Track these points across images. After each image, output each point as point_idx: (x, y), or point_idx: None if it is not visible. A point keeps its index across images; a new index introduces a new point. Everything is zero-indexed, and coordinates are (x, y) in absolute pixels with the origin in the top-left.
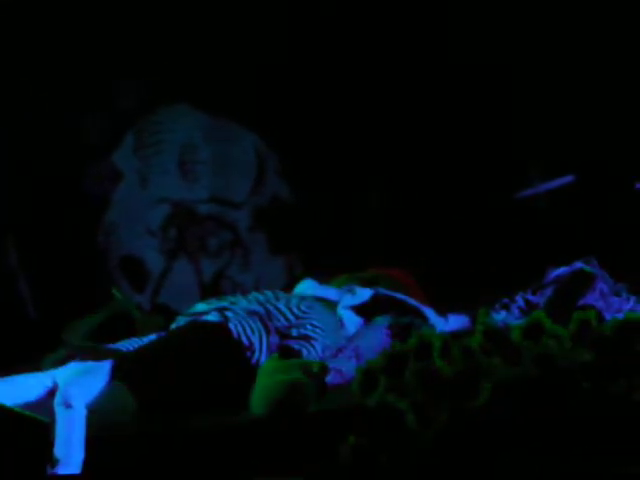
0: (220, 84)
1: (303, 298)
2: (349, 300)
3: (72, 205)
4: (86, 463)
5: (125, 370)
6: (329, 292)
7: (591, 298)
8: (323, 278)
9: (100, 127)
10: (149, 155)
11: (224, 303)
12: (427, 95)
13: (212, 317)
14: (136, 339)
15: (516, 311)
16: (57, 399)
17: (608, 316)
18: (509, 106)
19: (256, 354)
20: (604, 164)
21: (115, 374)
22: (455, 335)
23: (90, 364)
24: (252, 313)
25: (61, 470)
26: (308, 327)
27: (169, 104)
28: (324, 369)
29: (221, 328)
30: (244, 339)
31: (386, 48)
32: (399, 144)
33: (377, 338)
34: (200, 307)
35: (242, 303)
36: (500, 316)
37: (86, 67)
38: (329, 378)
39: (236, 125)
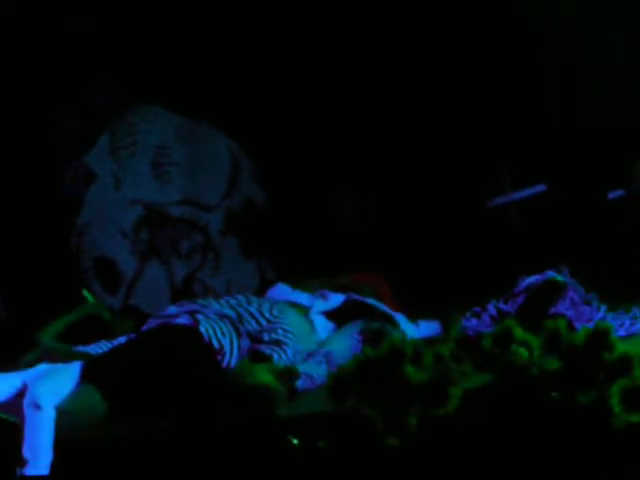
0: (194, 86)
1: (275, 302)
2: (321, 305)
3: (44, 206)
4: (55, 464)
5: (95, 372)
6: (301, 297)
7: (562, 307)
8: (295, 283)
9: (74, 128)
10: (123, 157)
11: (195, 306)
12: (399, 101)
13: (183, 320)
14: (106, 341)
15: (487, 319)
16: (26, 400)
17: (578, 325)
18: (480, 114)
19: (227, 357)
20: (576, 174)
21: (85, 376)
22: (426, 342)
23: (60, 366)
24: (223, 316)
25: (30, 471)
26: (279, 332)
27: (143, 106)
28: (295, 374)
29: (192, 331)
30: (215, 342)
31: (360, 53)
32: (370, 150)
33: (348, 343)
34: (171, 310)
35: (213, 306)
36: (471, 324)
37: (61, 68)
38: (300, 383)
39: (210, 127)
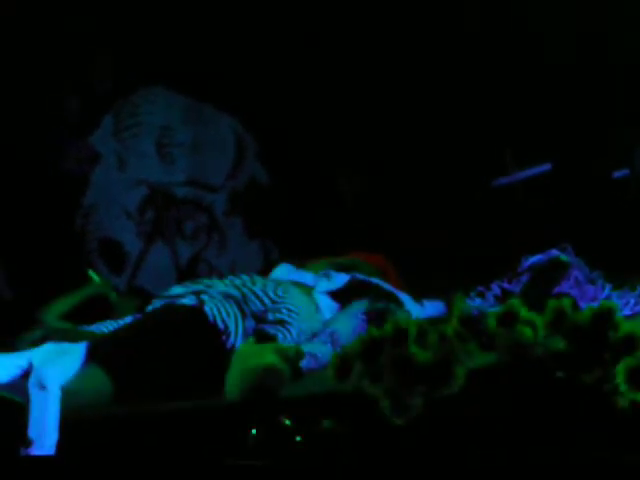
0: (197, 66)
1: (279, 282)
2: (325, 285)
3: (49, 186)
4: (60, 445)
5: (100, 352)
6: (305, 277)
7: (566, 286)
8: (299, 263)
9: (77, 109)
10: (127, 137)
11: (200, 286)
12: (404, 79)
13: (188, 300)
14: (111, 321)
15: (491, 299)
16: (31, 380)
17: (583, 304)
18: (484, 93)
19: (231, 338)
20: (581, 153)
21: (90, 356)
22: (431, 321)
23: (65, 345)
24: (228, 297)
25: (35, 451)
26: (284, 311)
27: (147, 86)
28: (299, 354)
29: (196, 311)
30: (219, 322)
31: (366, 33)
32: (376, 128)
33: (353, 323)
34: (176, 290)
35: (218, 286)
36: (475, 303)
37: (64, 49)
38: (304, 363)
39: (214, 107)
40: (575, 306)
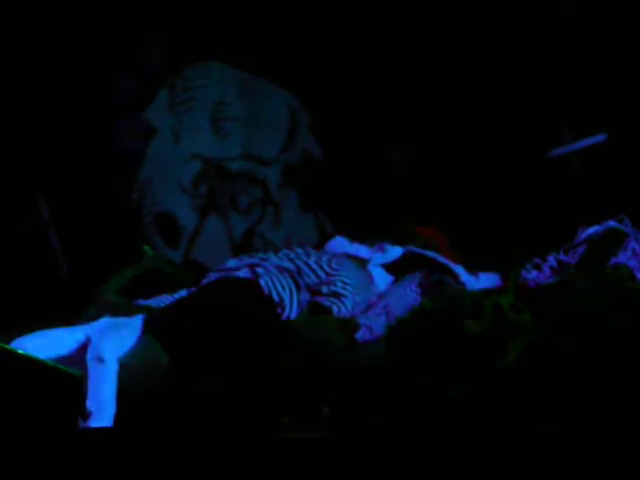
0: (252, 40)
1: (334, 255)
2: (380, 258)
3: (105, 161)
4: (118, 416)
5: (157, 325)
6: (360, 249)
7: (623, 257)
8: (354, 236)
9: (133, 84)
10: (181, 112)
11: (255, 259)
12: (458, 50)
13: (243, 273)
14: (167, 295)
15: (547, 270)
16: (89, 353)
17: None
18: (540, 63)
19: (286, 310)
20: (637, 122)
21: (147, 329)
22: (485, 293)
23: (122, 319)
24: (283, 270)
25: (93, 423)
26: (338, 284)
27: (202, 61)
28: (354, 326)
29: (252, 284)
30: (274, 295)
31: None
32: (429, 100)
33: (407, 295)
34: (231, 263)
35: (273, 260)
36: (531, 275)
37: (118, 24)
38: (359, 334)
39: (268, 81)
40: (632, 277)
